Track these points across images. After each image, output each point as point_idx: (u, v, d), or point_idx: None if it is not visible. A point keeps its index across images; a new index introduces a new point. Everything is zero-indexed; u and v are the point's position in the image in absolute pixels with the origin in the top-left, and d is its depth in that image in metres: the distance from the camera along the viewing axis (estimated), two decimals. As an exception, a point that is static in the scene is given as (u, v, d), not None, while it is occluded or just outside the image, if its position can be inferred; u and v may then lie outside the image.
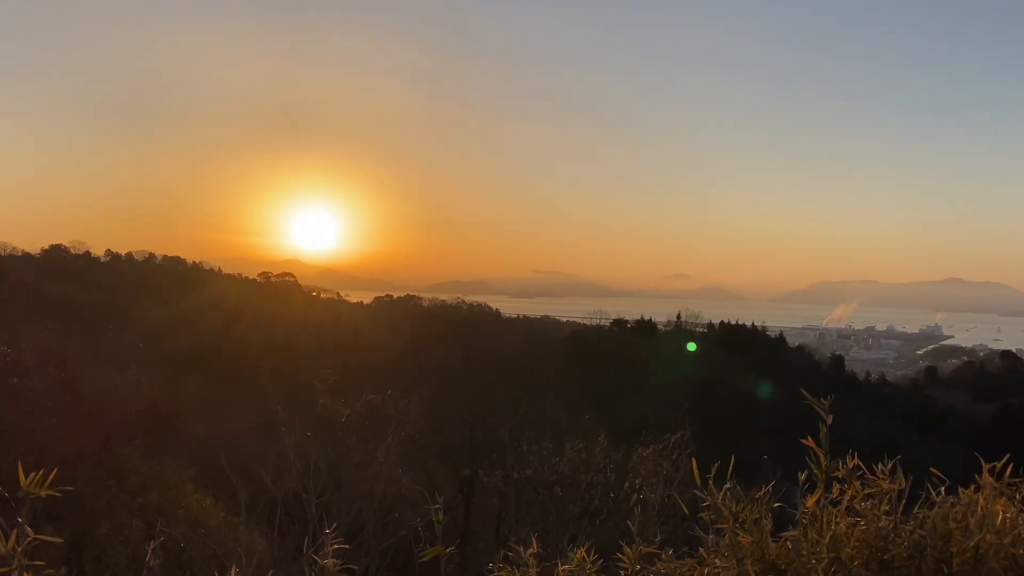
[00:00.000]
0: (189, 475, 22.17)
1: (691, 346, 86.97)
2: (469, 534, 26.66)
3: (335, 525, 4.14)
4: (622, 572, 4.06)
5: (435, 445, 30.01)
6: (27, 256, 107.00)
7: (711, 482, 3.84)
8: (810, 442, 3.84)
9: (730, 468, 4.00)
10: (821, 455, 3.80)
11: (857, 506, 3.76)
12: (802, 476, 3.89)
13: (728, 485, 3.83)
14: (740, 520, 3.78)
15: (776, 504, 3.85)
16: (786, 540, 3.78)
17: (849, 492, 3.78)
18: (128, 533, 16.93)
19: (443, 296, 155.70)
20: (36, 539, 3.04)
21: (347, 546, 4.15)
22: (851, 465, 3.80)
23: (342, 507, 13.52)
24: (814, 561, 3.64)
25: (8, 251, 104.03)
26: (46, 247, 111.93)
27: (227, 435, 34.50)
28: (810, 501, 3.78)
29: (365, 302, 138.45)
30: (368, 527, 13.41)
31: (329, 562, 3.90)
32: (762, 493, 3.88)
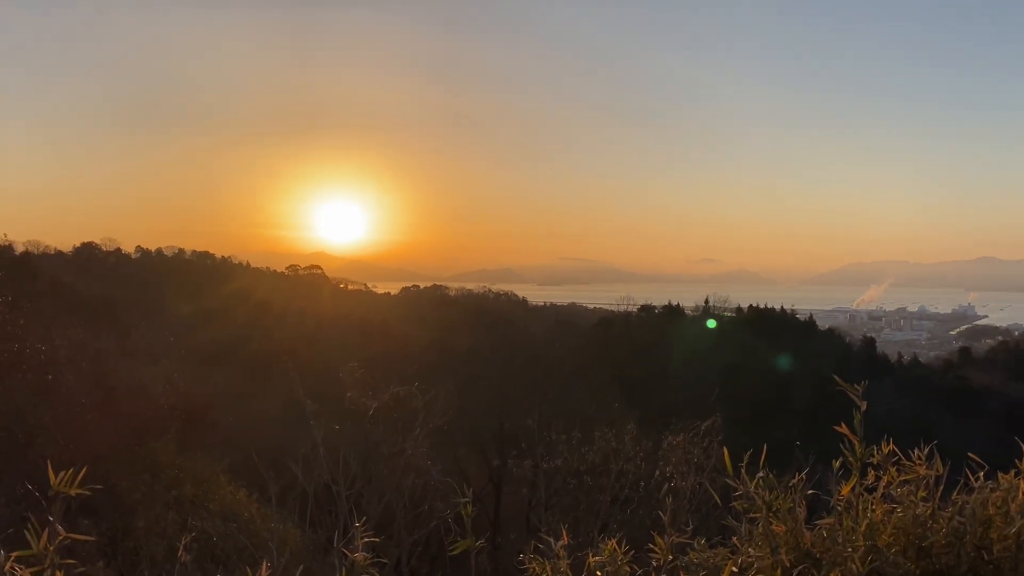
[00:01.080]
0: (221, 468, 22.40)
1: (711, 323, 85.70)
2: (499, 524, 26.71)
3: (365, 518, 4.12)
4: (654, 562, 4.02)
5: (463, 435, 30.07)
6: (60, 254, 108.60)
7: (743, 470, 3.80)
8: (844, 428, 3.78)
9: (763, 455, 3.95)
10: (856, 442, 3.74)
11: (893, 492, 3.70)
12: (836, 463, 3.84)
13: (761, 473, 3.79)
14: (774, 509, 3.73)
15: (809, 491, 3.80)
16: (821, 528, 3.73)
17: (885, 478, 3.72)
18: (164, 526, 17.13)
19: (470, 285, 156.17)
20: (68, 537, 3.06)
21: (377, 538, 4.13)
22: (886, 451, 3.74)
23: (372, 499, 13.59)
24: (850, 549, 3.58)
25: (41, 249, 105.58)
26: (78, 245, 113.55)
27: (257, 428, 34.84)
28: (845, 488, 3.72)
29: (392, 293, 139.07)
30: (398, 519, 13.46)
31: (360, 555, 3.88)
32: (796, 481, 3.83)
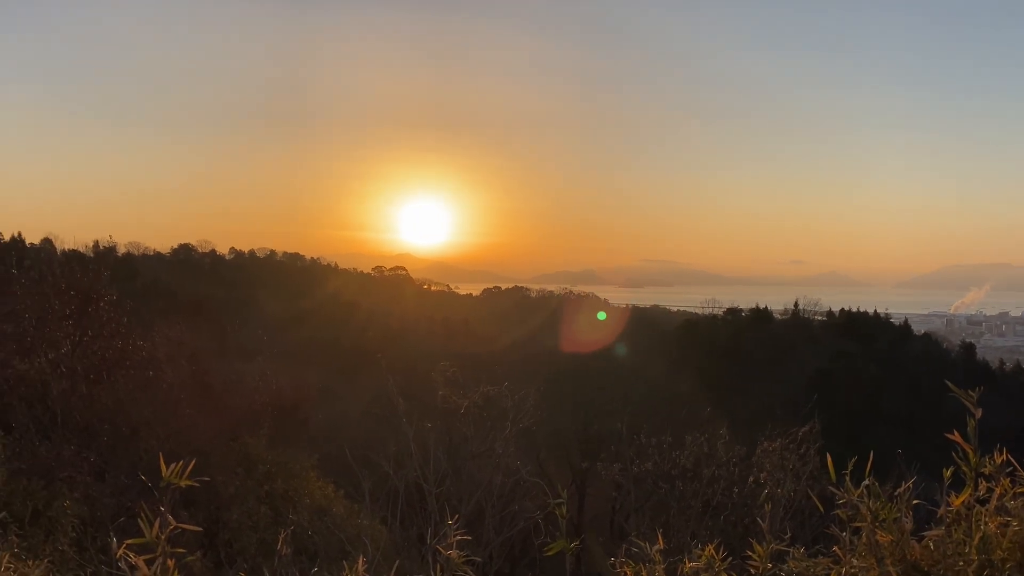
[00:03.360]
0: (311, 463, 22.89)
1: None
2: (582, 526, 26.61)
3: (457, 516, 4.15)
4: (752, 570, 3.94)
5: (545, 436, 30.08)
6: (158, 255, 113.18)
7: (847, 478, 3.69)
8: (956, 436, 3.62)
9: (869, 464, 3.83)
10: (970, 451, 3.58)
11: (1008, 504, 3.54)
12: (947, 472, 3.69)
13: (867, 482, 3.68)
14: (880, 519, 3.62)
15: (915, 501, 3.68)
16: (928, 540, 3.60)
17: (998, 490, 3.56)
18: (256, 519, 17.61)
19: (551, 287, 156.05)
20: (178, 527, 3.16)
21: (469, 537, 4.15)
22: (999, 461, 3.58)
23: (462, 497, 13.71)
24: (961, 563, 3.44)
25: (141, 251, 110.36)
26: (175, 246, 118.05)
27: (345, 425, 35.55)
28: (958, 499, 3.57)
29: (474, 294, 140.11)
30: (487, 518, 13.54)
31: (454, 553, 3.91)
32: (902, 490, 3.71)
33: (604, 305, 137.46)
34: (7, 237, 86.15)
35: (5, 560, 3.62)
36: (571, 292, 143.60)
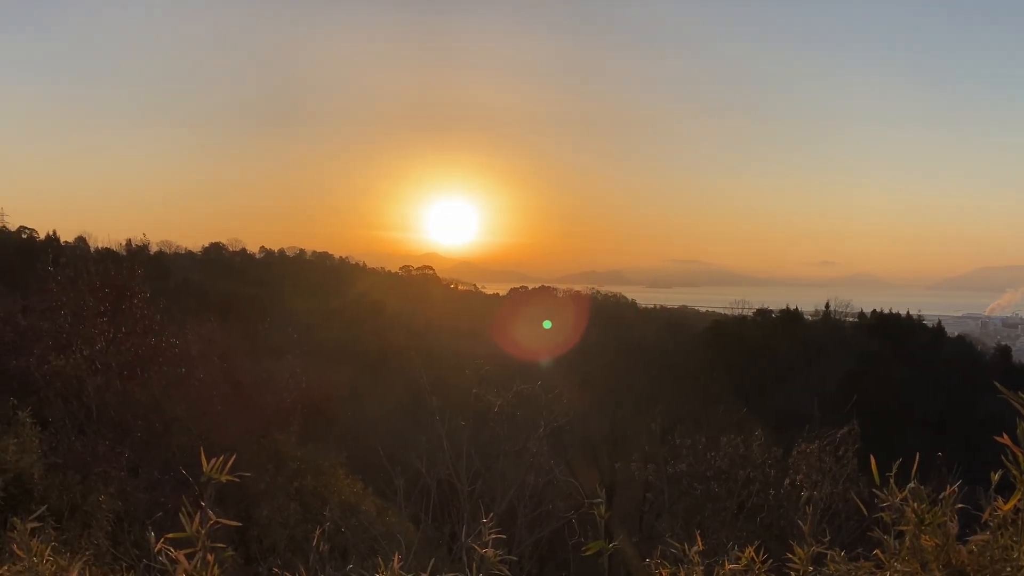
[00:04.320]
0: (340, 461, 23.00)
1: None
2: (612, 526, 26.48)
3: (492, 514, 4.13)
4: (793, 573, 3.90)
5: (574, 436, 30.01)
6: (190, 254, 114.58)
7: (892, 480, 3.64)
8: (1006, 439, 3.55)
9: (914, 467, 3.77)
10: (1020, 454, 3.50)
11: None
12: (995, 476, 3.62)
13: (912, 484, 3.62)
14: (926, 522, 3.56)
15: (958, 505, 3.62)
16: (973, 544, 3.54)
17: (1047, 496, 3.48)
18: (287, 516, 17.72)
19: (577, 287, 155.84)
20: (218, 522, 3.17)
21: (503, 535, 4.13)
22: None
23: (495, 496, 13.70)
24: (1009, 569, 3.37)
25: (173, 249, 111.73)
26: (206, 245, 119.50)
27: (374, 423, 35.71)
28: (1008, 504, 3.49)
29: (500, 294, 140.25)
30: (520, 517, 13.53)
31: (489, 552, 3.89)
32: (947, 493, 3.65)
33: (631, 305, 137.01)
34: (42, 235, 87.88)
35: (46, 553, 3.65)
36: (598, 292, 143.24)
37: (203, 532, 3.13)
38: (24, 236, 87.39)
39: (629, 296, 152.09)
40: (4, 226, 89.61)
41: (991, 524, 3.59)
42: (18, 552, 3.62)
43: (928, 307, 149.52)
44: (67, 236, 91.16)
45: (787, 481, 15.23)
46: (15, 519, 3.91)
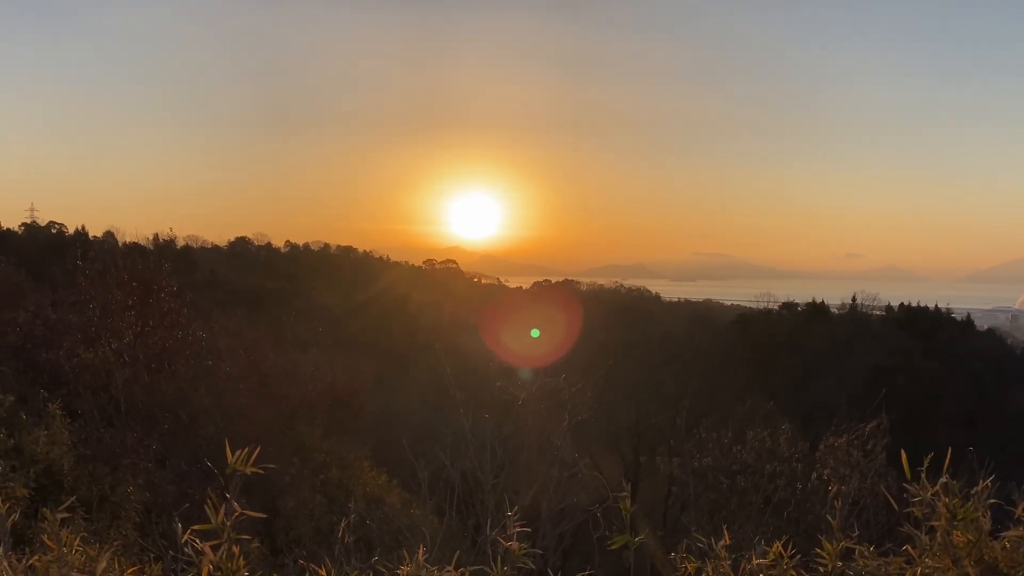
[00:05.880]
0: (365, 453, 23.11)
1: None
2: (636, 520, 26.41)
3: (516, 508, 4.10)
4: (821, 568, 3.83)
5: (598, 429, 29.93)
6: (216, 248, 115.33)
7: (923, 475, 3.56)
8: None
9: (947, 461, 3.70)
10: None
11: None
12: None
13: (944, 479, 3.55)
14: (959, 518, 3.49)
15: (991, 500, 3.55)
16: (1006, 540, 3.47)
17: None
18: (312, 507, 17.84)
19: (601, 280, 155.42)
20: (243, 514, 3.17)
21: (528, 529, 4.10)
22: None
23: (519, 489, 13.70)
24: (1044, 565, 3.30)
25: (199, 243, 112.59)
26: (232, 239, 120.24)
27: (398, 415, 35.84)
28: (1046, 499, 3.43)
29: (524, 287, 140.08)
30: (543, 511, 13.51)
31: (514, 545, 3.86)
32: (980, 488, 3.58)
33: (656, 299, 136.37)
34: (71, 230, 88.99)
35: (75, 543, 3.67)
36: (622, 285, 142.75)
37: (228, 524, 3.12)
38: (53, 231, 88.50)
39: (653, 290, 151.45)
40: (34, 221, 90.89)
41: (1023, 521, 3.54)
42: (48, 542, 3.65)
43: (957, 300, 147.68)
44: (96, 231, 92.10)
45: (814, 475, 15.09)
46: (45, 510, 3.95)
